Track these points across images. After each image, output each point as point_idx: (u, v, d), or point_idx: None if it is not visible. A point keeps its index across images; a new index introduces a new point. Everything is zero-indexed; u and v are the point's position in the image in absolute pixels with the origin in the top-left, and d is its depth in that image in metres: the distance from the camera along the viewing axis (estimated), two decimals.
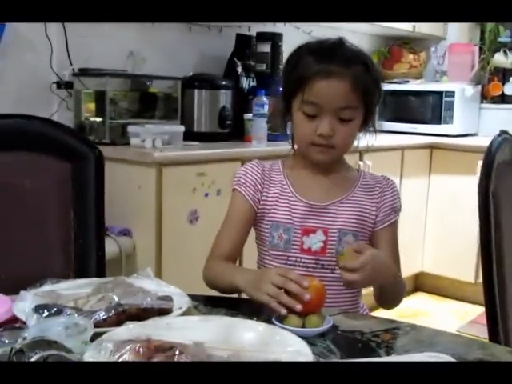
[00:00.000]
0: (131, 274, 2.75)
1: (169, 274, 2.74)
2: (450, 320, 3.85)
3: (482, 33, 4.87)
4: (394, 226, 1.60)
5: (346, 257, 1.32)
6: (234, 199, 1.63)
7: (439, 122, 4.49)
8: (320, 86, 1.48)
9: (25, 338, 1.05)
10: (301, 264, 1.54)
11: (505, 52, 4.71)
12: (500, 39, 4.76)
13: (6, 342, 1.05)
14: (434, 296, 4.22)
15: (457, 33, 4.88)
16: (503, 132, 1.61)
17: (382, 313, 1.58)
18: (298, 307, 1.21)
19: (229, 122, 3.37)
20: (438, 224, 4.28)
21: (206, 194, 2.87)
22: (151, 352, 0.95)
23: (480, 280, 4.17)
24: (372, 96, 1.53)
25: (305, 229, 1.55)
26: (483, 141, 4.28)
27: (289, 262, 1.55)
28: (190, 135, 3.16)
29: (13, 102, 2.81)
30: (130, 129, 2.92)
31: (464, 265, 4.16)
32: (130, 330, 1.08)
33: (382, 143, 3.79)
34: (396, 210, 1.60)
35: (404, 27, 4.52)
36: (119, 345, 0.95)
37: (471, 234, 4.12)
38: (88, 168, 1.58)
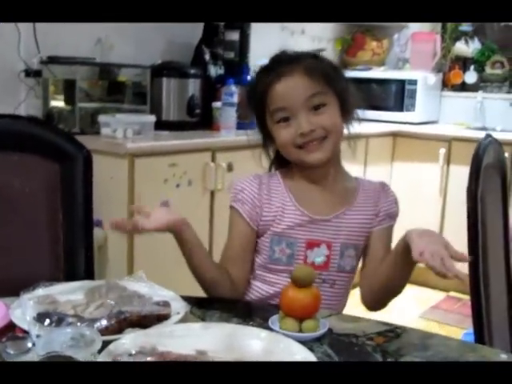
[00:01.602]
0: (104, 265, 2.76)
1: (141, 265, 2.74)
2: (413, 305, 3.93)
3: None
4: (387, 230, 1.59)
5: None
6: (232, 218, 1.59)
7: (401, 110, 4.54)
8: (278, 89, 1.49)
9: (29, 350, 1.06)
10: None
11: (466, 41, 4.79)
12: (461, 28, 4.83)
13: (12, 353, 1.05)
14: None
15: None
16: (488, 136, 1.65)
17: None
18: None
19: (198, 110, 3.36)
20: (399, 211, 4.33)
21: (178, 185, 2.87)
22: None
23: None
24: (335, 80, 1.52)
25: (309, 242, 1.52)
26: (444, 129, 4.37)
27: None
28: (158, 124, 3.14)
29: None
30: (101, 118, 2.89)
31: None
32: (135, 339, 1.09)
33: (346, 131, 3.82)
34: (391, 216, 1.59)
35: None
36: (133, 358, 0.96)
37: (432, 220, 4.20)
38: (76, 168, 1.57)
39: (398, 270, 1.47)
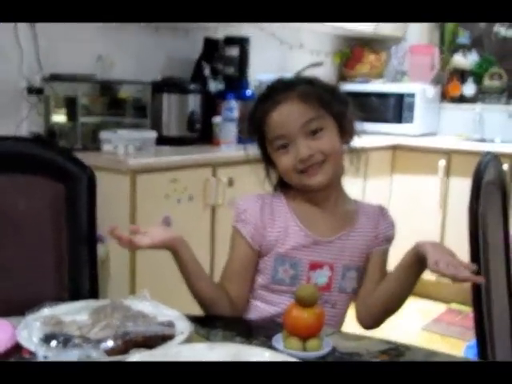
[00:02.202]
0: (106, 281, 2.76)
1: (143, 280, 2.75)
2: (415, 318, 3.94)
3: (442, 34, 4.95)
4: (384, 253, 1.61)
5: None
6: (234, 237, 1.59)
7: (400, 122, 4.56)
8: (275, 118, 1.52)
9: None
10: None
11: (464, 53, 4.81)
12: (459, 40, 4.85)
13: None
14: None
15: (417, 34, 4.96)
16: (488, 152, 1.67)
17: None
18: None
19: (198, 125, 3.38)
20: (399, 223, 4.33)
21: (179, 201, 2.89)
22: None
23: (442, 278, 4.27)
24: (332, 103, 1.53)
25: (312, 264, 1.53)
26: (444, 141, 4.38)
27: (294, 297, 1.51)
28: (158, 139, 3.15)
29: None
30: (102, 135, 2.91)
31: None
32: (140, 360, 1.10)
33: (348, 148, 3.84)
34: (388, 239, 1.62)
35: (365, 28, 4.56)
36: None
37: (432, 233, 4.21)
38: (80, 188, 1.59)
39: (401, 286, 1.51)
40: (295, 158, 1.50)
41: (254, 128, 1.57)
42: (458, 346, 3.38)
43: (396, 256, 1.58)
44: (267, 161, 1.60)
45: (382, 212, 1.64)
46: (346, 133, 1.57)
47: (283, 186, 1.62)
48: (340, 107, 1.55)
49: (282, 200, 1.59)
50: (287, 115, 1.50)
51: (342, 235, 1.56)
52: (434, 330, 3.84)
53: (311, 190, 1.54)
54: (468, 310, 3.95)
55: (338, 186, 1.61)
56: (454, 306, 4.18)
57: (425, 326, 3.88)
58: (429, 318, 4.02)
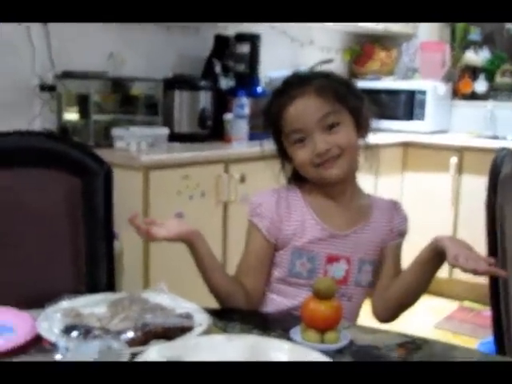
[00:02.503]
0: (120, 277, 2.77)
1: (156, 274, 2.76)
2: (428, 316, 3.92)
3: (453, 31, 4.93)
4: (399, 247, 1.62)
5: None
6: (250, 231, 1.59)
7: (411, 119, 4.55)
8: (291, 112, 1.52)
9: None
10: None
11: (475, 50, 4.79)
12: (470, 37, 4.83)
13: None
14: None
15: (427, 31, 4.95)
16: (503, 148, 1.67)
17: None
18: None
19: (209, 122, 3.39)
20: (412, 221, 4.32)
21: (191, 197, 2.89)
22: None
23: (454, 276, 4.27)
24: (348, 98, 1.53)
25: (329, 257, 1.54)
26: (455, 138, 4.37)
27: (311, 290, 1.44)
28: (170, 136, 3.17)
29: None
30: (115, 132, 2.92)
31: None
32: (160, 351, 1.10)
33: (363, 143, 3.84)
34: (402, 234, 1.62)
35: (375, 25, 4.55)
36: None
37: (444, 229, 4.19)
38: (97, 183, 1.60)
39: (418, 281, 1.52)
40: (312, 152, 1.50)
41: (270, 122, 1.58)
42: (471, 344, 3.37)
43: (409, 253, 1.59)
44: (282, 155, 1.60)
45: (395, 206, 1.64)
46: (362, 128, 1.57)
47: (297, 180, 1.62)
48: (356, 102, 1.56)
49: (297, 194, 1.59)
50: (304, 109, 1.51)
51: (357, 229, 1.57)
52: (446, 327, 3.83)
53: (328, 183, 1.55)
54: (480, 308, 3.95)
55: (353, 180, 1.61)
56: (467, 303, 4.16)
57: (437, 324, 3.87)
58: (441, 316, 4.00)
